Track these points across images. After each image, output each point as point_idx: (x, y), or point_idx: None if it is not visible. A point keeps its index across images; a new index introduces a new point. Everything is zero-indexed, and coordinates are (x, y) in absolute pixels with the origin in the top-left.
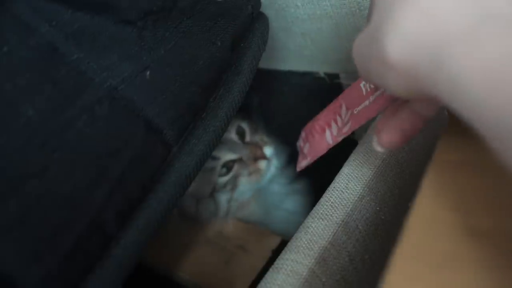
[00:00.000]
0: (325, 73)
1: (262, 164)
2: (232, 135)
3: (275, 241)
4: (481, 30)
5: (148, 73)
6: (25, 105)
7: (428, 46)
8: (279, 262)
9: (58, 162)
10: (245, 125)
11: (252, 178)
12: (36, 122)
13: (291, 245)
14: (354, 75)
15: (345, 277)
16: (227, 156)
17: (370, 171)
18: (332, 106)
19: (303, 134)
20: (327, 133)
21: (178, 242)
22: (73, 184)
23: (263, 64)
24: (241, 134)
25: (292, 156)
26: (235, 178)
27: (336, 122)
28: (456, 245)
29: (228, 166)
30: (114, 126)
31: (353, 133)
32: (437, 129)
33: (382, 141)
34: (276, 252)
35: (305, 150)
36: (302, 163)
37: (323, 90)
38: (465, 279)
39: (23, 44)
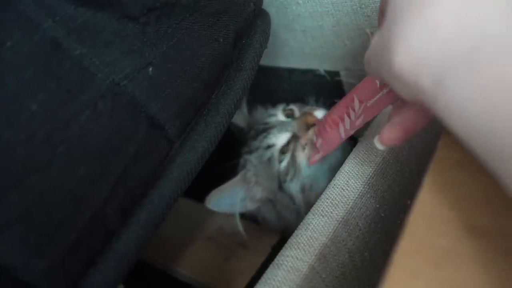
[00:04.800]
0: (326, 71)
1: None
2: (280, 117)
3: (274, 238)
4: (480, 55)
5: (150, 69)
6: (29, 100)
7: (431, 64)
8: (279, 258)
9: (61, 156)
10: (292, 106)
11: (308, 152)
12: (40, 116)
13: (291, 241)
14: (355, 73)
15: (344, 273)
16: (281, 138)
17: (370, 169)
18: (343, 101)
19: (316, 128)
20: (340, 127)
21: (178, 238)
22: (76, 179)
23: (264, 61)
24: (290, 114)
25: None
26: (294, 159)
27: (349, 116)
28: (456, 242)
29: (285, 150)
30: (117, 121)
31: None
32: (438, 128)
33: (382, 138)
34: (276, 249)
35: (318, 145)
36: (315, 157)
37: (324, 87)
38: (464, 275)
39: (26, 39)
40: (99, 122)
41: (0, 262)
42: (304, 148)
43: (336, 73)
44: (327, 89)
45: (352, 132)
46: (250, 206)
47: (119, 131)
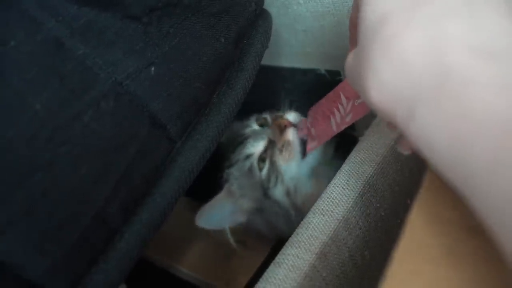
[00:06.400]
0: (326, 70)
1: (289, 133)
2: (254, 126)
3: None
4: (443, 90)
5: (152, 69)
6: (32, 99)
7: (403, 97)
8: (280, 257)
9: (64, 155)
10: (265, 114)
11: (286, 153)
12: (43, 116)
13: (292, 240)
14: None
15: (345, 272)
16: (257, 147)
17: (371, 168)
18: (332, 94)
19: (309, 116)
20: (332, 120)
21: (179, 237)
22: (79, 178)
23: (266, 61)
24: (264, 122)
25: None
26: (273, 164)
27: (338, 110)
28: (456, 242)
29: (263, 157)
30: (119, 121)
31: (354, 130)
32: None
33: (401, 147)
34: (276, 248)
35: (313, 133)
36: (311, 145)
37: (324, 87)
38: (464, 274)
39: (30, 39)
40: (101, 121)
41: (3, 261)
42: (281, 151)
43: (337, 73)
44: (328, 88)
45: (343, 127)
46: (240, 219)
47: (122, 131)
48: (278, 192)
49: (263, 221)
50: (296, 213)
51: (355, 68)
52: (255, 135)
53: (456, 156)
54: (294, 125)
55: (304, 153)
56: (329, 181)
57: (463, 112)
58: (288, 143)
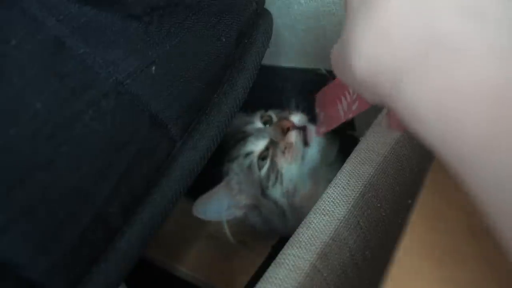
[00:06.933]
0: (327, 70)
1: (292, 135)
2: (257, 124)
3: (274, 237)
4: (430, 59)
5: (153, 68)
6: (33, 98)
7: (386, 70)
8: (281, 257)
9: (65, 155)
10: (271, 112)
11: (288, 156)
12: (44, 115)
13: (293, 240)
14: None
15: (346, 272)
16: (258, 145)
17: (371, 168)
18: (339, 80)
19: (317, 100)
20: (339, 106)
21: (179, 237)
22: (79, 177)
23: (266, 61)
24: (268, 120)
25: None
26: (274, 164)
27: (345, 98)
28: (457, 242)
29: (264, 156)
30: (120, 120)
31: (354, 130)
32: None
33: (388, 125)
34: (276, 248)
35: (321, 117)
36: (321, 129)
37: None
38: (465, 274)
39: (30, 38)
40: (102, 121)
41: (3, 260)
42: (283, 153)
43: None
44: None
45: (350, 116)
46: (237, 213)
47: (122, 130)
48: (276, 192)
49: (259, 218)
50: (292, 213)
51: (339, 53)
52: (257, 133)
53: (446, 130)
54: (298, 127)
55: (306, 144)
56: (328, 183)
57: (452, 83)
58: (290, 145)
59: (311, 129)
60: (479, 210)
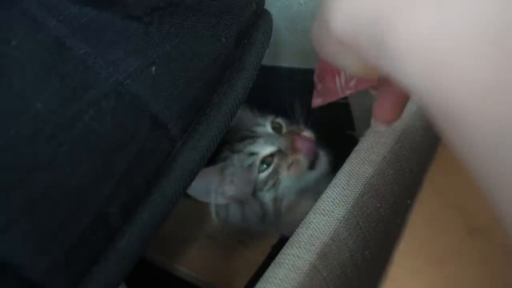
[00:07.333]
0: None
1: (301, 155)
2: (268, 128)
3: (274, 237)
4: (415, 1)
5: (153, 68)
6: (33, 98)
7: (367, 21)
8: (280, 257)
9: (65, 155)
10: (280, 120)
11: (292, 171)
12: (44, 115)
13: (292, 240)
14: None
15: (345, 272)
16: (266, 149)
17: (371, 168)
18: None
19: (317, 70)
20: (337, 79)
21: (179, 237)
22: (80, 177)
23: (266, 61)
24: (277, 127)
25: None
26: (276, 172)
27: (344, 72)
28: (457, 242)
29: (268, 161)
30: (120, 120)
31: (354, 130)
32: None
33: (376, 116)
34: (276, 248)
35: (319, 88)
36: (317, 101)
37: None
38: (465, 274)
39: (30, 38)
40: (102, 121)
41: (4, 260)
42: (289, 168)
43: None
44: None
45: (348, 92)
46: (220, 200)
47: (122, 131)
48: (267, 197)
49: (238, 212)
50: (272, 219)
51: (320, 20)
52: (267, 138)
53: (436, 83)
54: (307, 148)
55: (312, 167)
56: (316, 194)
57: (445, 23)
58: (298, 162)
59: (322, 156)
60: (475, 178)
